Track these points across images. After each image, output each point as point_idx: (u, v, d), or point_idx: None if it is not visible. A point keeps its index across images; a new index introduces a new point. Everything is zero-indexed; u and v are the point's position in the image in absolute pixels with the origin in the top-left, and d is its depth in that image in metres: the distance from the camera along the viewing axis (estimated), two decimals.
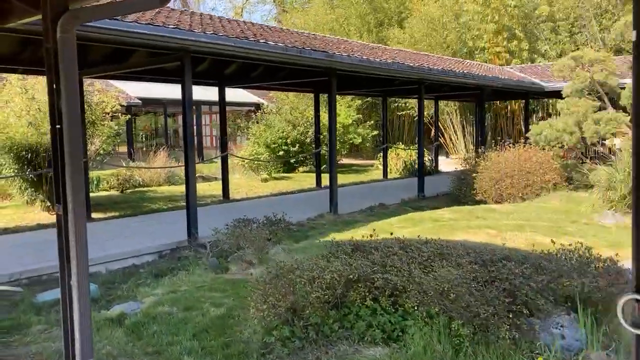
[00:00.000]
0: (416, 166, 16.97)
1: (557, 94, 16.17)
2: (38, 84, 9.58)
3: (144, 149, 20.46)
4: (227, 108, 27.45)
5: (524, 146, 11.18)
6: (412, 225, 7.36)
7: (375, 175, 16.76)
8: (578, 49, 18.57)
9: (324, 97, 14.86)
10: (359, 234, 7.13)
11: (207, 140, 27.72)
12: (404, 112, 21.36)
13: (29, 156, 8.79)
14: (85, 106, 9.52)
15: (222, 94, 11.32)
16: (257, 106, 25.62)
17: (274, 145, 15.34)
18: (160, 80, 11.37)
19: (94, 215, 9.20)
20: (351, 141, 17.55)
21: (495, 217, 7.64)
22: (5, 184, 9.85)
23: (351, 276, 3.88)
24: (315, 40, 10.02)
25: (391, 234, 5.59)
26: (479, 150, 12.54)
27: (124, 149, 19.78)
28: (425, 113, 21.48)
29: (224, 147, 11.58)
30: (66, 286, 3.02)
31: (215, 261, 6.41)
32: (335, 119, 9.42)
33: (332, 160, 9.49)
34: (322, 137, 14.85)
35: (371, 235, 5.48)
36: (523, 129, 17.00)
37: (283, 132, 15.42)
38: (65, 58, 2.89)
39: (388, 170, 17.65)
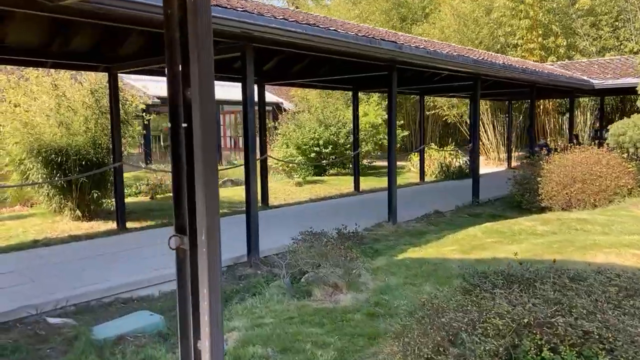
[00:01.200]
0: (452, 169, 16.22)
1: (607, 92, 15.33)
2: (63, 80, 8.69)
3: (156, 151, 19.61)
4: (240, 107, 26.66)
5: (591, 148, 10.29)
6: (509, 240, 6.43)
7: (410, 178, 15.85)
8: (621, 45, 17.71)
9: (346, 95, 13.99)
10: (445, 250, 6.24)
11: (222, 141, 26.83)
12: (432, 112, 20.48)
13: (58, 160, 7.90)
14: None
15: (262, 93, 10.45)
16: (277, 106, 24.77)
17: (305, 147, 14.46)
18: None
19: (128, 224, 8.30)
20: (381, 142, 16.64)
21: (597, 229, 6.74)
22: (31, 190, 8.95)
23: (526, 320, 2.98)
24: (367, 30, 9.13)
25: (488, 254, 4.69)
26: (537, 151, 11.62)
27: (132, 150, 18.88)
28: (454, 112, 20.71)
29: (263, 149, 10.69)
30: (191, 349, 2.15)
31: (289, 283, 5.51)
32: (394, 120, 8.53)
33: (392, 163, 8.59)
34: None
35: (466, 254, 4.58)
36: (566, 128, 16.16)
37: (315, 133, 14.52)
38: (199, 31, 2.01)
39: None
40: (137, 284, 5.49)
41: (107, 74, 8.04)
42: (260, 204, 10.48)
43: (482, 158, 20.25)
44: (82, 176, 7.79)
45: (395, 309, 4.32)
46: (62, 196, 8.27)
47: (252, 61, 6.10)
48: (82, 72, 8.52)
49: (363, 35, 6.67)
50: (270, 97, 25.80)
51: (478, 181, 10.93)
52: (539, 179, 9.88)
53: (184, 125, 2.05)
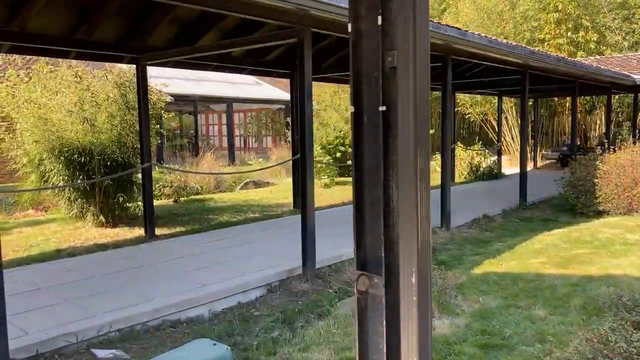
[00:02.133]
0: (481, 169, 15.48)
1: None
2: (85, 73, 7.96)
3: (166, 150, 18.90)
4: (255, 105, 25.88)
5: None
6: (605, 251, 5.68)
7: (438, 179, 15.08)
8: None
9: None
10: (532, 264, 5.50)
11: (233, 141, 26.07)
12: (455, 109, 19.73)
13: (82, 160, 7.17)
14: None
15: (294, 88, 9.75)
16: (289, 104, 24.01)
17: (329, 147, 13.72)
18: (231, 70, 9.63)
19: (157, 231, 7.57)
20: None
21: None
22: (48, 192, 8.21)
23: None
24: None
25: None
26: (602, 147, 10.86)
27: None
28: (477, 110, 19.97)
29: (297, 148, 9.94)
30: None
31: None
32: (449, 113, 7.80)
33: (446, 162, 7.87)
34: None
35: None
36: (603, 127, 15.42)
37: (340, 132, 13.79)
38: None
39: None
40: (185, 303, 4.75)
41: (134, 65, 7.31)
42: (292, 207, 9.77)
43: (506, 157, 19.56)
44: (109, 178, 7.05)
45: (511, 340, 3.59)
46: (84, 200, 7.54)
47: (309, 45, 5.38)
48: (106, 63, 7.77)
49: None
50: (281, 94, 25.07)
51: (525, 184, 10.20)
52: (595, 180, 9.15)
53: (382, 108, 1.31)
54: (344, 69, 9.88)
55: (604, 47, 17.59)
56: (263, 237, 7.37)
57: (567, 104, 19.58)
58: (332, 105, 15.93)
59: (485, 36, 7.25)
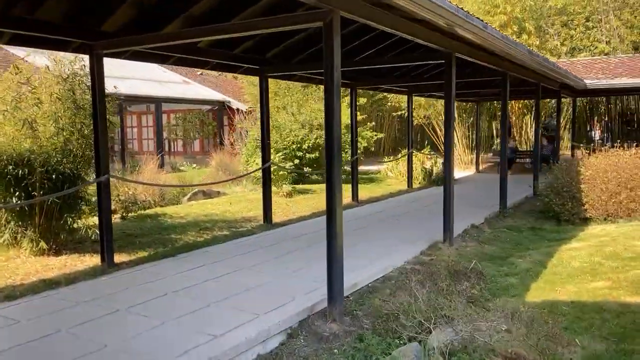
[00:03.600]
0: (434, 175, 15.07)
1: (593, 93, 14.70)
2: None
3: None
4: (183, 106, 24.10)
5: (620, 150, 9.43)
6: None
7: (394, 185, 14.52)
8: (592, 45, 17.53)
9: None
10: (597, 289, 4.81)
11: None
12: (398, 113, 19.39)
13: (18, 172, 5.62)
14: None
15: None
16: (223, 105, 22.60)
17: (285, 151, 12.65)
18: (194, 63, 8.20)
19: (116, 258, 6.17)
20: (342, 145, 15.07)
21: None
22: None
23: None
24: None
25: None
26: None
27: None
28: (423, 113, 19.72)
29: (267, 154, 8.84)
30: None
31: (417, 350, 3.82)
32: (452, 118, 7.08)
33: (449, 170, 7.13)
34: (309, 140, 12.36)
35: None
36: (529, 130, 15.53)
37: (297, 137, 12.75)
38: None
39: (400, 177, 15.56)
40: None
41: (88, 55, 5.89)
42: (262, 222, 8.64)
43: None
44: (57, 195, 5.56)
45: None
46: (19, 222, 5.96)
47: (338, 27, 4.37)
48: (54, 52, 6.23)
49: None
50: (213, 94, 23.55)
51: (506, 188, 9.75)
52: (581, 186, 8.85)
53: None
54: (315, 67, 8.90)
55: (543, 52, 17.95)
56: (249, 261, 6.21)
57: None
58: (282, 105, 14.87)
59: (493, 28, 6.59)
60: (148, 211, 8.97)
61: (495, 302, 4.54)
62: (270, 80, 16.43)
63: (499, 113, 20.57)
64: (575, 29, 17.36)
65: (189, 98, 21.08)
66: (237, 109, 21.51)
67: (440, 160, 16.60)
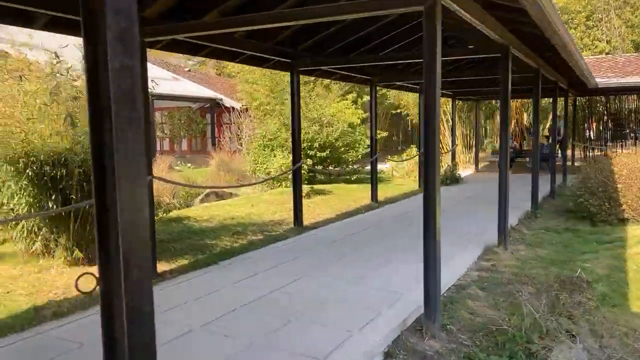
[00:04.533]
0: (442, 174, 14.81)
1: (603, 92, 14.65)
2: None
3: None
4: (172, 103, 23.31)
5: None
6: None
7: (404, 185, 14.19)
8: (592, 44, 17.56)
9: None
10: None
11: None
12: (398, 110, 19.13)
13: (56, 174, 5.04)
14: None
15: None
16: (216, 103, 21.93)
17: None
18: (227, 55, 7.62)
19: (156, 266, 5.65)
20: (359, 144, 14.76)
21: None
22: None
23: None
24: None
25: None
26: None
27: None
28: (415, 111, 19.47)
29: (297, 154, 8.37)
30: None
31: None
32: (507, 115, 6.75)
33: (505, 169, 6.80)
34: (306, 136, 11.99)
35: None
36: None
37: (308, 134, 12.29)
38: None
39: (406, 178, 15.27)
40: None
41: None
42: (292, 225, 8.18)
43: (448, 160, 19.27)
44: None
45: None
46: (55, 229, 5.37)
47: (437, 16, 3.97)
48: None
49: None
50: (205, 91, 22.85)
51: (537, 189, 9.51)
52: (618, 186, 8.67)
53: None
54: (356, 61, 8.47)
55: None
56: (301, 268, 5.76)
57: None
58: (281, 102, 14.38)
59: None
60: (171, 214, 8.39)
61: (602, 313, 4.21)
62: (275, 75, 15.91)
63: (496, 112, 20.55)
64: (576, 28, 17.36)
65: (182, 95, 20.38)
66: (231, 107, 20.90)
67: (443, 160, 16.44)
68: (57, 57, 5.37)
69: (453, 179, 14.50)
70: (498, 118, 20.87)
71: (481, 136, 20.15)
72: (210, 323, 4.16)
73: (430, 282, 4.16)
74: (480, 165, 19.60)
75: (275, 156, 12.13)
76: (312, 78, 18.97)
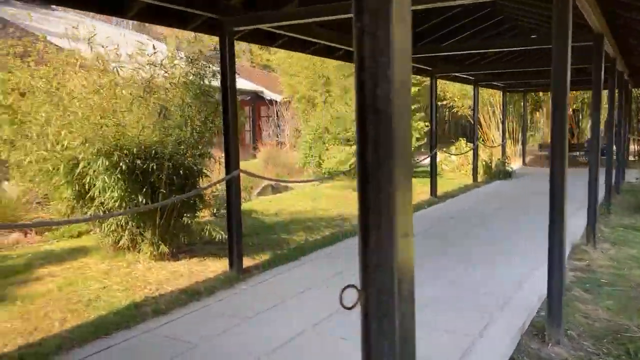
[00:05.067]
0: (494, 168, 14.42)
1: None
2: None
3: None
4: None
5: None
6: None
7: (457, 178, 13.86)
8: None
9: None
10: None
11: None
12: (443, 102, 18.73)
13: (148, 167, 4.94)
14: None
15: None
16: (256, 95, 21.84)
17: (350, 143, 11.95)
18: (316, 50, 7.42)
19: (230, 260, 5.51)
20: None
21: None
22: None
23: None
24: None
25: None
26: None
27: None
28: (469, 103, 19.03)
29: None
30: None
31: None
32: (597, 108, 6.43)
33: (594, 170, 6.47)
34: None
35: None
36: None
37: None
38: None
39: (457, 172, 14.93)
40: None
41: (215, 34, 5.20)
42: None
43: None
44: (196, 193, 4.90)
45: None
46: (140, 223, 5.28)
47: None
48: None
49: None
50: (246, 84, 22.77)
51: (611, 184, 9.12)
52: None
53: None
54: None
55: None
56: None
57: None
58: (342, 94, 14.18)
59: None
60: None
61: None
62: (318, 67, 15.63)
63: (543, 103, 19.98)
64: None
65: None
66: (272, 100, 20.79)
67: (490, 153, 16.03)
68: (154, 48, 5.25)
69: (506, 174, 14.13)
70: (545, 110, 20.35)
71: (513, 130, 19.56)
72: (319, 324, 4.00)
73: (554, 284, 3.91)
74: (527, 158, 19.12)
75: (327, 149, 11.95)
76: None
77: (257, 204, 9.25)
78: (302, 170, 13.59)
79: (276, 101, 19.66)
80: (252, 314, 4.23)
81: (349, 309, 1.42)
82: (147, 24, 31.46)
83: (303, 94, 19.14)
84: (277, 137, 17.10)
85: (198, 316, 4.24)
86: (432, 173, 10.60)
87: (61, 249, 6.14)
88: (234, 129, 5.31)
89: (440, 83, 19.09)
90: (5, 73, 7.93)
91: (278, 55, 20.63)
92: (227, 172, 5.32)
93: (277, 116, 19.29)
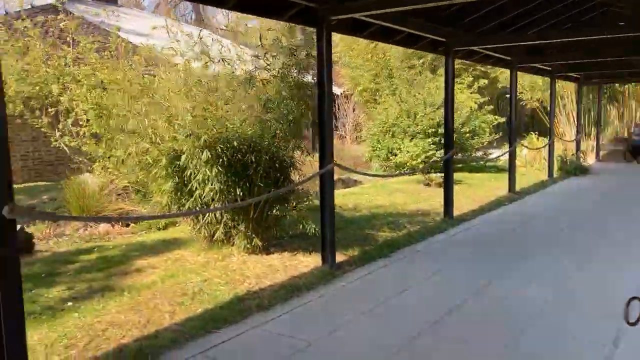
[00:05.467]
0: (569, 164, 13.75)
1: None
2: None
3: None
4: None
5: None
6: None
7: (530, 174, 13.29)
8: None
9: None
10: None
11: None
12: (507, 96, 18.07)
13: (249, 160, 4.89)
14: None
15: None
16: None
17: (420, 137, 11.62)
18: None
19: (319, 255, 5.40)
20: (484, 130, 13.94)
21: None
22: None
23: None
24: None
25: None
26: None
27: None
28: (537, 95, 18.32)
29: (450, 143, 7.92)
30: None
31: None
32: None
33: None
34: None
35: None
36: None
37: (432, 120, 11.71)
38: None
39: (528, 167, 14.34)
40: None
41: (312, 25, 5.06)
42: (443, 217, 7.74)
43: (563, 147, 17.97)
44: (296, 186, 4.83)
45: None
46: (235, 216, 5.25)
47: None
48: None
49: None
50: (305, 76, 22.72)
51: None
52: None
53: None
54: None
55: None
56: (484, 265, 5.34)
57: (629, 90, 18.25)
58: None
59: None
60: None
61: None
62: (382, 59, 15.38)
63: (619, 95, 18.97)
64: None
65: None
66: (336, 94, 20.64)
67: (564, 147, 15.31)
68: (260, 41, 5.19)
69: (581, 170, 13.47)
70: (623, 102, 19.33)
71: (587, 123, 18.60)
72: (434, 327, 3.82)
73: None
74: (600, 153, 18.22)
75: (400, 143, 11.69)
76: (420, 61, 18.34)
77: (336, 198, 9.12)
78: (368, 163, 13.41)
79: (337, 94, 19.49)
80: (358, 312, 4.10)
81: (633, 324, 1.23)
82: (204, 20, 31.84)
83: (365, 86, 18.90)
84: (338, 130, 16.94)
85: (303, 312, 4.15)
86: (511, 168, 10.19)
87: (152, 240, 6.22)
88: (329, 123, 5.19)
89: (501, 71, 18.46)
90: (88, 69, 8.15)
91: (338, 49, 20.47)
92: (321, 165, 5.21)
93: (338, 109, 19.14)
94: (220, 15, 32.42)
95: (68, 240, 6.34)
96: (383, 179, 11.62)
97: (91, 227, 6.95)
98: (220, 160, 4.73)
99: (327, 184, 5.25)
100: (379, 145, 12.41)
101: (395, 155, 11.56)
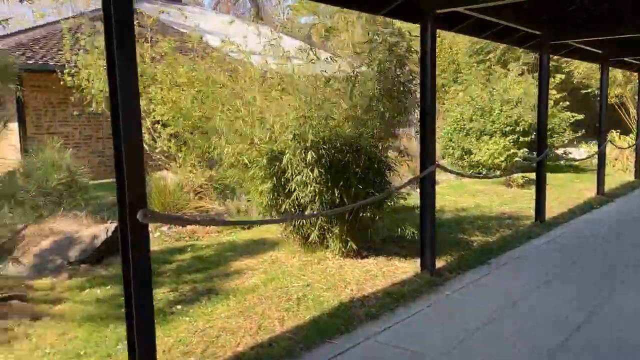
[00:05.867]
0: None
1: None
2: None
3: None
4: None
5: None
6: None
7: (613, 175, 12.54)
8: None
9: None
10: None
11: None
12: (587, 90, 17.20)
13: (349, 161, 4.72)
14: None
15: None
16: None
17: (509, 128, 11.07)
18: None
19: (416, 261, 5.15)
20: (564, 128, 13.28)
21: None
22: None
23: None
24: None
25: None
26: None
27: None
28: (616, 91, 17.35)
29: (542, 143, 7.52)
30: None
31: None
32: None
33: None
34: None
35: None
36: None
37: (510, 117, 11.19)
38: None
39: (610, 167, 13.52)
40: None
41: (418, 20, 4.82)
42: (534, 220, 7.34)
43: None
44: (398, 189, 4.63)
45: None
46: (330, 219, 5.10)
47: None
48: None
49: None
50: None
51: None
52: None
53: None
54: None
55: None
56: (594, 276, 4.96)
57: None
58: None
59: None
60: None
61: None
62: (447, 54, 14.87)
63: None
64: None
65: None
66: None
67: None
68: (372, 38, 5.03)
69: None
70: None
71: None
72: (565, 346, 3.53)
73: None
74: None
75: (471, 142, 11.27)
76: (489, 56, 17.70)
77: (415, 199, 8.86)
78: (438, 161, 13.01)
79: None
80: (473, 326, 3.85)
81: None
82: (262, 17, 31.93)
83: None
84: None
85: (416, 323, 3.95)
86: (600, 170, 9.61)
87: (242, 240, 6.17)
88: (432, 123, 4.95)
89: (585, 70, 17.54)
90: (170, 69, 8.20)
91: None
92: (423, 167, 4.98)
93: None
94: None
95: (158, 238, 6.38)
96: (459, 179, 11.23)
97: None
98: (323, 160, 4.58)
99: (427, 187, 5.02)
100: (452, 144, 12.02)
101: (471, 153, 11.15)
